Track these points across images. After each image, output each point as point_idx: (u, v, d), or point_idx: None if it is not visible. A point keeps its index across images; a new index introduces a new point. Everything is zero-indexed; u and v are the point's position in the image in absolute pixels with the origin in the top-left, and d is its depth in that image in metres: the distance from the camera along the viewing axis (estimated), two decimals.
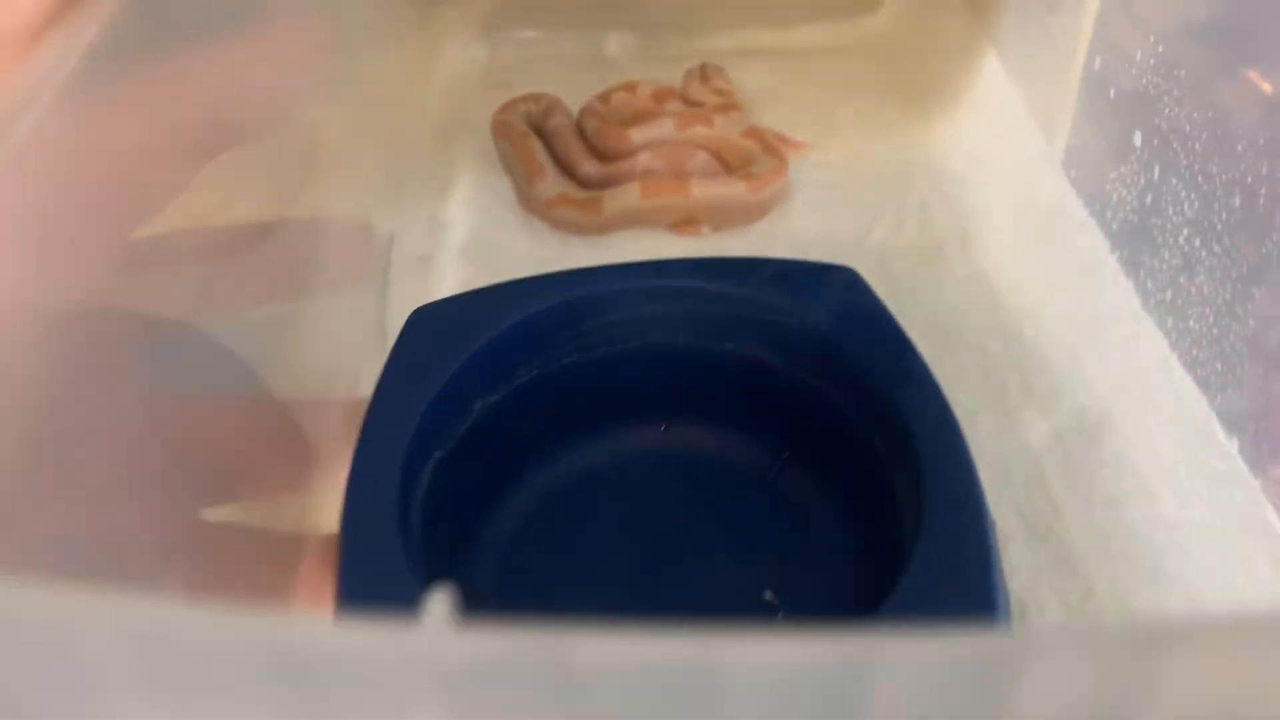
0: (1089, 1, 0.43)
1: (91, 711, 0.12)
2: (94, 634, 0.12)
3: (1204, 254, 0.33)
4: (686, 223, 0.47)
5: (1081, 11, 0.44)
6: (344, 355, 0.42)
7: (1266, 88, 0.31)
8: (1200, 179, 0.33)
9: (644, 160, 0.49)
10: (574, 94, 0.54)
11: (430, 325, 0.34)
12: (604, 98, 0.53)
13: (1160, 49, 0.37)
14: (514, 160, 0.50)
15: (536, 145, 0.50)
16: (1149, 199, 0.37)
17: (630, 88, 0.54)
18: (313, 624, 0.12)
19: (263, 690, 0.12)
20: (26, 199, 0.23)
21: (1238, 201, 0.31)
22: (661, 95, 0.53)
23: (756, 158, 0.49)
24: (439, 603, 0.13)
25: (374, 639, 0.12)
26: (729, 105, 0.52)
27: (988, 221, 0.48)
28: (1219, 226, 0.32)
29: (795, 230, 0.48)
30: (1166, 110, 0.36)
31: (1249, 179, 0.31)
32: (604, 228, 0.47)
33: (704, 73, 0.55)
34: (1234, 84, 0.33)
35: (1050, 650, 0.12)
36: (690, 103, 0.53)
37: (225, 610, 0.12)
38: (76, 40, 0.26)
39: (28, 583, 0.12)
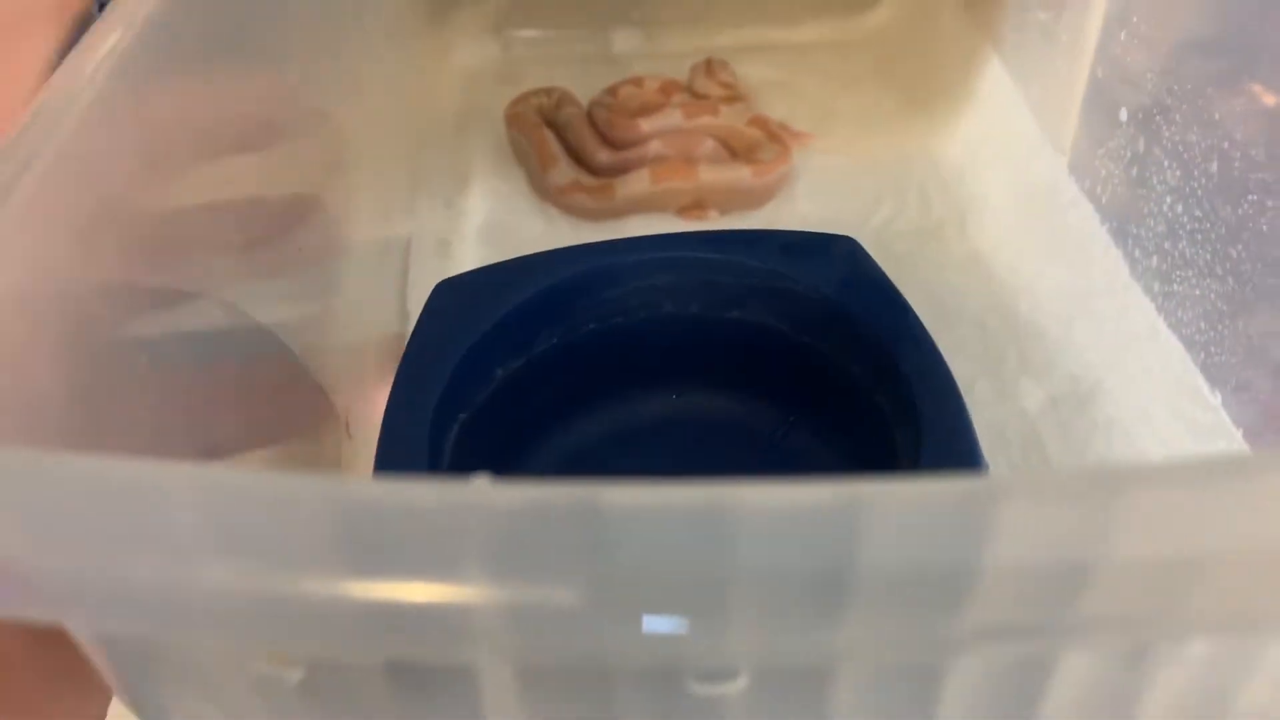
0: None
1: (175, 565, 0.14)
2: (177, 499, 0.14)
3: (1185, 219, 0.35)
4: (694, 207, 0.49)
5: (1075, 6, 0.46)
6: (369, 332, 0.44)
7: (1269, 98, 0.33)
8: (1181, 148, 0.35)
9: (654, 148, 0.50)
10: (583, 90, 0.56)
11: (454, 296, 0.36)
12: (612, 91, 0.55)
13: (1152, 36, 0.39)
14: (528, 150, 0.52)
15: (549, 135, 0.52)
16: (1135, 171, 0.39)
17: (637, 81, 0.55)
18: (371, 483, 0.14)
19: (325, 542, 0.14)
20: (83, 179, 0.25)
21: (1215, 167, 0.33)
22: (668, 88, 0.55)
23: (762, 145, 0.51)
24: (482, 478, 0.15)
25: (426, 494, 0.13)
26: (734, 97, 0.54)
27: (985, 204, 0.50)
28: (1199, 192, 0.34)
29: (799, 214, 0.50)
30: (1149, 85, 0.37)
31: (1225, 144, 0.33)
32: (615, 212, 0.49)
33: (709, 67, 0.56)
34: (1232, 90, 0.34)
35: (1021, 493, 0.13)
36: (696, 95, 0.55)
37: (293, 475, 0.14)
38: (130, 22, 0.28)
39: (118, 458, 0.14)
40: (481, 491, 0.13)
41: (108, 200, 0.26)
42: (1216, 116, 0.33)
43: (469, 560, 0.13)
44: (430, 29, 0.62)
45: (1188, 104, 0.35)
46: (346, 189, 0.44)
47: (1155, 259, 0.37)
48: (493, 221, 0.51)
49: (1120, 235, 0.40)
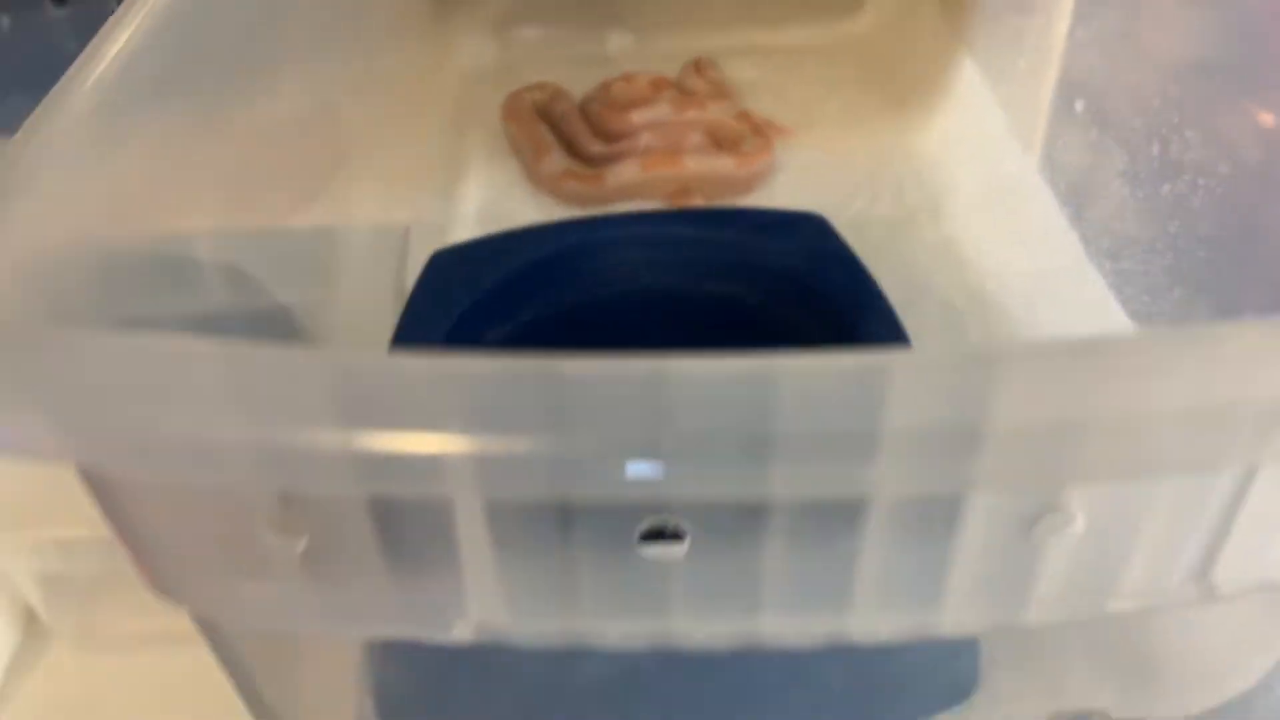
0: (1055, 6, 0.48)
1: (198, 419, 0.16)
2: (201, 365, 0.16)
3: (1131, 200, 0.38)
4: (681, 194, 0.52)
5: (1042, 13, 0.48)
6: (369, 310, 0.46)
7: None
8: (1127, 134, 0.38)
9: (644, 139, 0.53)
10: (577, 88, 0.59)
11: (448, 265, 0.38)
12: (604, 87, 0.58)
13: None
14: (523, 141, 0.55)
15: (544, 128, 0.55)
16: (1089, 158, 0.41)
17: (628, 78, 0.58)
18: (368, 353, 0.16)
19: (328, 401, 0.16)
20: (104, 164, 0.27)
21: (1155, 149, 0.36)
22: (658, 84, 0.58)
23: (745, 138, 0.54)
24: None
25: (414, 362, 0.16)
26: (721, 94, 0.57)
27: (957, 195, 0.52)
28: (1142, 174, 0.37)
29: (780, 203, 0.53)
30: (1101, 78, 0.40)
31: (1163, 129, 0.35)
32: (606, 199, 0.52)
33: (698, 65, 0.59)
34: (1172, 79, 0.37)
35: (913, 366, 0.16)
36: (685, 92, 0.58)
37: (300, 347, 0.16)
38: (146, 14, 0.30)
39: (151, 335, 0.17)
40: (461, 360, 0.16)
41: (125, 184, 0.28)
42: (1157, 103, 0.36)
43: (450, 414, 0.16)
44: (431, 29, 0.65)
45: (1133, 92, 0.38)
46: (350, 177, 0.46)
47: (1106, 239, 0.40)
48: (488, 209, 0.54)
49: (1077, 219, 0.43)
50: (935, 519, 0.18)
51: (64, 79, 0.27)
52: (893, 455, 0.16)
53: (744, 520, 0.18)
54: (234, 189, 0.35)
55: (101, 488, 0.19)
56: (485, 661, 0.25)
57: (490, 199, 0.54)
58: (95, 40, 0.28)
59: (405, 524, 0.18)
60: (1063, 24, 0.46)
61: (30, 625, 0.47)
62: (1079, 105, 0.42)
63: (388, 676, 0.27)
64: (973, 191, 0.52)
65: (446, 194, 0.55)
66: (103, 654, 0.47)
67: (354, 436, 0.16)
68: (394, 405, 0.16)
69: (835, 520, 0.18)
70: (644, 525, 0.18)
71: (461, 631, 0.20)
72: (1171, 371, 0.16)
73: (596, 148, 0.54)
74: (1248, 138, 0.32)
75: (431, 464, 0.16)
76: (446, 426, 0.16)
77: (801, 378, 0.16)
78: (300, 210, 0.41)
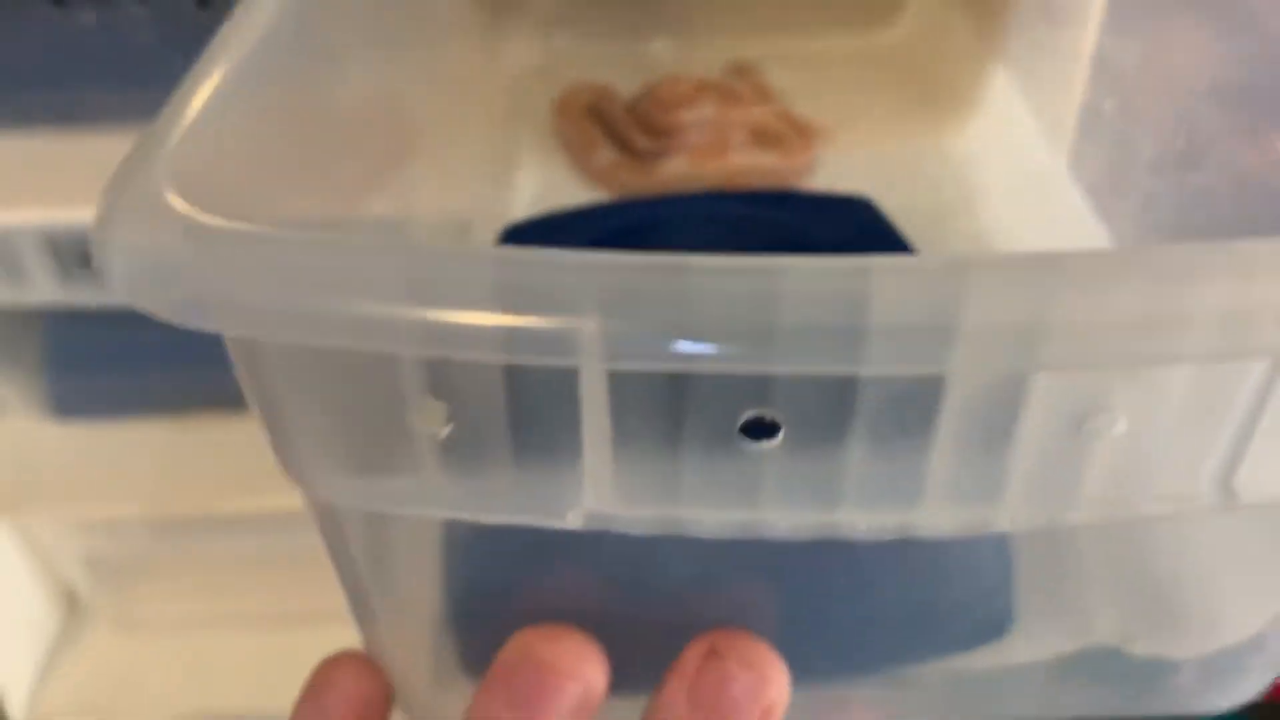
0: (1085, 16, 0.51)
1: (368, 300, 0.19)
2: (373, 255, 0.19)
3: (1157, 192, 0.41)
4: (726, 187, 0.55)
5: (1073, 23, 0.51)
6: None
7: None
8: (1155, 128, 0.41)
9: (692, 136, 0.56)
10: (620, 89, 0.62)
11: (520, 239, 0.41)
12: (651, 88, 0.61)
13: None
14: (574, 137, 0.58)
15: (594, 125, 0.58)
16: (1117, 155, 0.44)
17: (674, 80, 0.61)
18: (511, 249, 0.19)
19: (482, 285, 0.19)
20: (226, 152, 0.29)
21: (1181, 142, 0.39)
22: (703, 86, 0.61)
23: (788, 137, 0.57)
24: None
25: (553, 256, 0.19)
26: (763, 96, 0.60)
27: (989, 192, 0.55)
28: (1169, 167, 0.40)
29: None
30: (1130, 78, 0.43)
31: (1189, 121, 0.38)
32: (655, 191, 0.54)
33: (740, 69, 0.62)
34: (1199, 75, 0.40)
35: (988, 271, 0.19)
36: (728, 93, 0.61)
37: (455, 246, 0.19)
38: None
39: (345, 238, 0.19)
40: (598, 255, 0.19)
41: (233, 172, 0.31)
42: (1185, 97, 0.39)
43: (584, 295, 0.18)
44: (481, 32, 0.68)
45: (1162, 91, 0.40)
46: (411, 171, 0.49)
47: (1133, 228, 0.43)
48: (542, 202, 0.56)
49: (1104, 212, 0.46)
50: (999, 419, 0.21)
51: (192, 71, 0.28)
52: (970, 342, 0.18)
53: (833, 416, 0.21)
54: (314, 179, 0.38)
55: (254, 366, 0.22)
56: (554, 567, 0.28)
57: (544, 192, 0.57)
58: (222, 30, 0.30)
59: (537, 414, 0.21)
60: (1093, 33, 0.49)
61: (71, 606, 0.48)
62: (1108, 105, 0.45)
63: (458, 578, 0.30)
64: (1005, 189, 0.55)
65: (502, 187, 0.58)
66: (143, 636, 0.48)
67: (500, 312, 0.19)
68: (535, 287, 0.19)
69: (913, 418, 0.21)
70: (744, 417, 0.21)
71: (574, 519, 0.23)
72: (1208, 276, 0.19)
73: (644, 143, 0.57)
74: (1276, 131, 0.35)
75: (566, 337, 0.19)
76: (580, 305, 0.18)
77: (893, 274, 0.18)
78: (368, 200, 0.44)
